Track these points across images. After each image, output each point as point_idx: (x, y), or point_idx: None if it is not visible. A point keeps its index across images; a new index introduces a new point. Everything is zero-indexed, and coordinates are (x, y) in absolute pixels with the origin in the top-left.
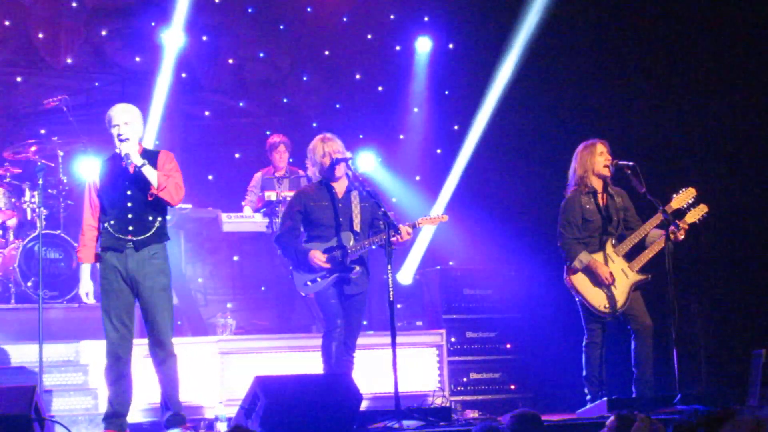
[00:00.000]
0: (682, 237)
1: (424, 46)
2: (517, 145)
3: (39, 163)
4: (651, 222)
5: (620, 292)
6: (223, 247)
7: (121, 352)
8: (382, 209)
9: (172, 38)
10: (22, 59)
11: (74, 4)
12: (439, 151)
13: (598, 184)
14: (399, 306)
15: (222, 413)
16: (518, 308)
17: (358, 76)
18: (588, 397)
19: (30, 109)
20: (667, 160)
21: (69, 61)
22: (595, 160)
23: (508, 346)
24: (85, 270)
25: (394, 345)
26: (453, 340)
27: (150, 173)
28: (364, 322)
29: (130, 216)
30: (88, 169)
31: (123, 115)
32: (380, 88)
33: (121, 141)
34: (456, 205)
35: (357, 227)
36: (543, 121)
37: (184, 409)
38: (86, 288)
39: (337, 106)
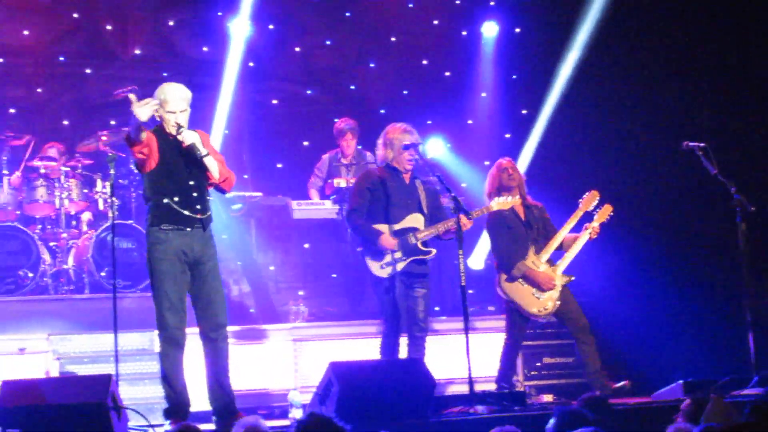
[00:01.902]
0: (596, 234)
1: (490, 30)
2: (586, 128)
3: (110, 154)
4: (566, 226)
5: (551, 296)
6: (293, 235)
7: (182, 339)
8: (452, 194)
9: (240, 27)
10: (91, 51)
11: None
12: (507, 135)
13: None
14: (471, 291)
15: (296, 400)
16: (591, 292)
17: (425, 62)
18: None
19: (100, 101)
20: (734, 146)
21: (137, 52)
22: (501, 181)
23: None
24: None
25: (467, 330)
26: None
27: (212, 164)
28: (437, 308)
29: (195, 194)
30: None
31: (181, 103)
32: (447, 74)
33: (179, 132)
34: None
35: (425, 209)
36: (611, 104)
37: (258, 397)
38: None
39: (405, 92)
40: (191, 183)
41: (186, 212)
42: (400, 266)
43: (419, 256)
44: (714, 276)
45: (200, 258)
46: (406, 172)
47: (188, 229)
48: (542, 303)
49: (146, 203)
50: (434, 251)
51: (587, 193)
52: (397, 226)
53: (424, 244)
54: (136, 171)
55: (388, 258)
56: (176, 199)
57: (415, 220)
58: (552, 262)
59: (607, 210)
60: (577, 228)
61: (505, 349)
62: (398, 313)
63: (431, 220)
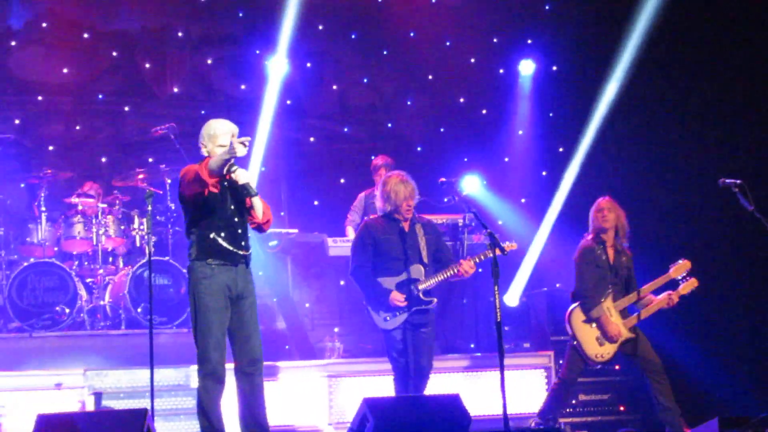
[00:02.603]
0: (674, 304)
1: (527, 68)
2: (622, 166)
3: (147, 190)
4: (650, 285)
5: (613, 347)
6: (329, 272)
7: (223, 375)
8: (488, 230)
9: (277, 65)
10: (129, 89)
11: (180, 34)
12: (544, 173)
13: (608, 238)
14: (506, 328)
15: None
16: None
17: (461, 100)
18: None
19: (138, 138)
20: None
21: (175, 90)
22: (603, 222)
23: (617, 367)
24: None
25: (502, 366)
26: (561, 362)
27: (259, 204)
28: (472, 345)
29: (239, 231)
30: None
31: (229, 138)
32: (484, 111)
33: (232, 167)
34: (561, 227)
35: (426, 259)
36: (647, 142)
37: None
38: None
39: (441, 129)
40: (236, 220)
41: (231, 248)
42: (402, 318)
43: (422, 306)
44: (749, 312)
45: (242, 293)
46: (405, 221)
47: (233, 266)
48: (603, 350)
49: (188, 237)
50: (435, 300)
51: (680, 261)
52: (398, 279)
53: (426, 293)
54: (181, 204)
55: (390, 312)
56: (222, 234)
57: (415, 271)
58: (627, 313)
59: (692, 284)
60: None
61: (556, 387)
62: (407, 360)
63: (433, 266)
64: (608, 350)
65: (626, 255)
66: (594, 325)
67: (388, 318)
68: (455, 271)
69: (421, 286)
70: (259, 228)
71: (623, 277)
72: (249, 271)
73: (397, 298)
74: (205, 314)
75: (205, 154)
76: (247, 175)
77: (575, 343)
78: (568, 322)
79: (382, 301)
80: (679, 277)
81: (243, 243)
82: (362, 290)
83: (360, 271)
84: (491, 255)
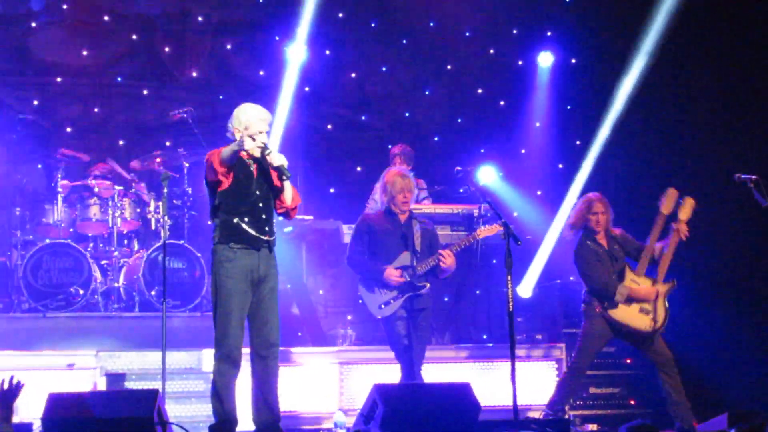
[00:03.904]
0: (686, 235)
1: (546, 60)
2: (638, 160)
3: (164, 173)
4: (653, 236)
5: (659, 306)
6: (343, 259)
7: (239, 359)
8: (503, 220)
9: (296, 52)
10: (148, 73)
11: (200, 19)
12: (560, 165)
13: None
14: (519, 319)
15: (341, 420)
16: None
17: (480, 91)
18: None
19: (156, 122)
20: None
21: (194, 74)
22: (601, 216)
23: (628, 361)
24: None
25: (513, 356)
26: (573, 354)
27: (289, 189)
28: (484, 336)
29: (264, 216)
30: None
31: (263, 125)
32: (502, 103)
33: (267, 150)
34: None
35: (418, 248)
36: (665, 136)
37: (303, 419)
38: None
39: (459, 120)
40: (261, 205)
41: (255, 233)
42: (397, 304)
43: (415, 291)
44: (762, 308)
45: (264, 277)
46: (402, 213)
47: (255, 250)
48: (651, 316)
49: (212, 221)
50: (428, 285)
51: (664, 194)
52: (394, 266)
53: (419, 279)
54: (207, 188)
55: (385, 298)
56: (246, 219)
57: (407, 258)
58: (649, 275)
59: (689, 204)
60: (664, 233)
61: (566, 377)
62: (410, 347)
63: (424, 257)
64: (657, 312)
65: (615, 234)
66: (630, 304)
67: (382, 306)
68: (437, 260)
69: (417, 269)
70: (287, 214)
71: (626, 253)
72: (272, 256)
73: (393, 273)
74: (226, 297)
75: (237, 139)
76: (282, 158)
77: (625, 329)
78: (604, 316)
79: (377, 278)
80: (673, 208)
81: (267, 228)
82: (358, 273)
83: (355, 257)
84: (470, 242)
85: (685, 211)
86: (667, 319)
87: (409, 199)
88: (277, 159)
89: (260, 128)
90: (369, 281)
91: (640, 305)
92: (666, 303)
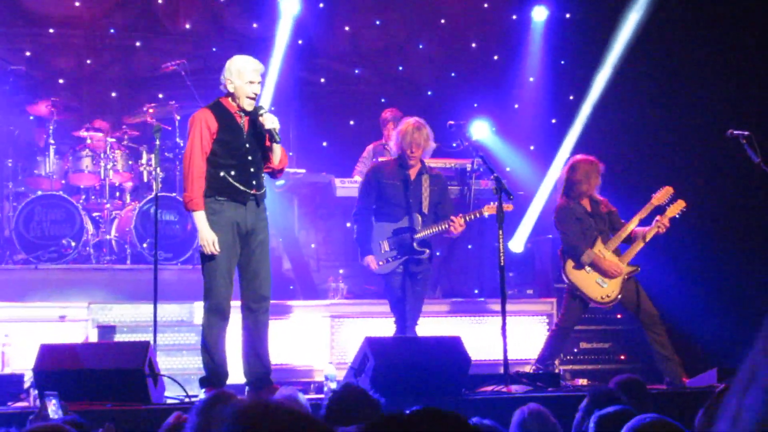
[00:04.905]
0: (664, 230)
1: (540, 15)
2: (631, 116)
3: (155, 125)
4: (635, 218)
5: (615, 283)
6: (336, 213)
7: (227, 310)
8: (495, 174)
9: (289, 4)
10: (141, 24)
11: None
12: (554, 120)
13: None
14: (510, 274)
15: (332, 373)
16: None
17: (473, 45)
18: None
19: (148, 74)
20: None
21: (187, 26)
22: (595, 182)
23: (619, 316)
24: (204, 217)
25: (504, 311)
26: (560, 311)
27: (278, 152)
28: (476, 290)
29: (252, 170)
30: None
31: (256, 75)
32: (496, 57)
33: (260, 110)
34: None
35: (425, 209)
36: (656, 92)
37: (294, 372)
38: (212, 236)
39: (453, 75)
40: (249, 158)
41: (242, 187)
42: (395, 264)
43: (414, 255)
44: (753, 264)
45: (253, 230)
46: (411, 167)
47: (242, 204)
48: (606, 290)
49: None
50: (428, 251)
51: (661, 189)
52: (396, 226)
53: (421, 243)
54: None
55: (383, 256)
56: (233, 173)
57: (413, 220)
58: (619, 252)
59: (679, 205)
60: (646, 221)
61: (553, 334)
62: (404, 301)
63: (431, 218)
64: (612, 288)
65: (601, 201)
66: (589, 270)
67: (381, 263)
68: (446, 226)
69: (416, 236)
70: (273, 174)
71: (606, 222)
72: (262, 209)
73: (371, 262)
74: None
75: (231, 90)
76: (274, 120)
77: (577, 293)
78: (565, 277)
79: (366, 249)
80: (664, 203)
81: (254, 182)
82: (356, 233)
83: (359, 217)
84: (484, 214)
85: (673, 210)
86: (617, 298)
87: (417, 155)
88: (269, 121)
89: (252, 78)
90: (359, 244)
91: (599, 276)
92: (624, 283)
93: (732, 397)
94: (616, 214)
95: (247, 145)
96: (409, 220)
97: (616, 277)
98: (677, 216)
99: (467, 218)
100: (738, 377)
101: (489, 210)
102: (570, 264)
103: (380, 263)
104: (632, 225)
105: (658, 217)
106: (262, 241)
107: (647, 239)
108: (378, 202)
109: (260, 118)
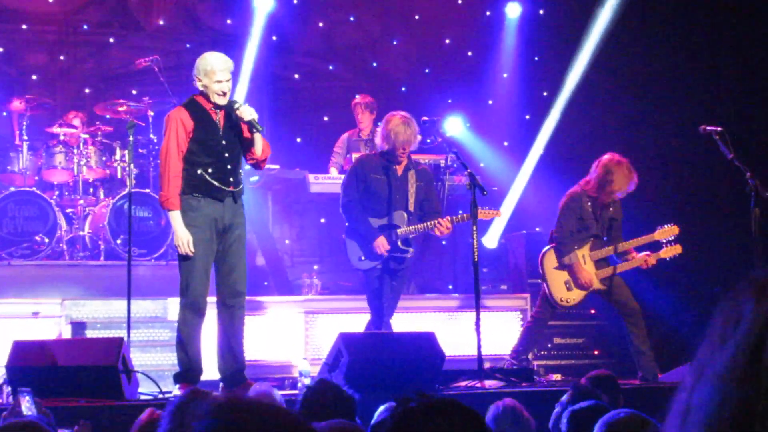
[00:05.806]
0: (648, 267)
1: (514, 11)
2: (604, 112)
3: (130, 121)
4: (632, 242)
5: (579, 294)
6: (310, 209)
7: (203, 307)
8: (468, 170)
9: (263, 1)
10: (115, 20)
11: None
12: (527, 116)
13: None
14: (484, 270)
15: (306, 368)
16: None
17: (447, 41)
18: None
19: (122, 70)
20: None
21: (161, 23)
22: (625, 185)
23: (592, 311)
24: (180, 217)
25: (477, 307)
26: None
27: (260, 142)
28: (450, 286)
29: (229, 167)
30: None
31: (226, 73)
32: (470, 54)
33: (235, 104)
34: (543, 171)
35: (411, 207)
36: (631, 87)
37: (268, 368)
38: (187, 236)
39: (426, 71)
40: (226, 155)
41: (218, 184)
42: (377, 261)
43: (398, 254)
44: (725, 260)
45: (229, 225)
46: (399, 164)
47: (219, 201)
48: (569, 295)
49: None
50: (411, 250)
51: (668, 225)
52: (380, 222)
53: (405, 242)
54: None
55: (370, 254)
56: (210, 171)
57: (398, 217)
58: (606, 263)
59: (675, 249)
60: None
61: (529, 327)
62: (381, 296)
63: (417, 215)
64: (574, 296)
65: (614, 206)
66: (566, 270)
67: (362, 258)
68: (431, 226)
69: (400, 231)
70: (257, 164)
71: (607, 228)
72: (239, 205)
73: (382, 244)
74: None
75: (201, 89)
76: (252, 112)
77: (544, 282)
78: (540, 263)
79: (368, 240)
80: (664, 240)
81: (232, 179)
82: (351, 224)
83: (351, 206)
84: (470, 218)
85: (667, 252)
86: (572, 306)
87: (407, 151)
88: (247, 113)
89: (220, 77)
90: (356, 234)
91: (568, 279)
92: (586, 296)
93: (681, 393)
94: (618, 223)
95: (224, 142)
96: (394, 218)
97: (583, 289)
98: (668, 259)
99: (455, 221)
100: (687, 373)
101: (483, 215)
102: (551, 254)
103: (362, 258)
104: (625, 246)
105: (648, 254)
106: (239, 236)
107: (628, 267)
108: (362, 195)
109: (237, 112)
